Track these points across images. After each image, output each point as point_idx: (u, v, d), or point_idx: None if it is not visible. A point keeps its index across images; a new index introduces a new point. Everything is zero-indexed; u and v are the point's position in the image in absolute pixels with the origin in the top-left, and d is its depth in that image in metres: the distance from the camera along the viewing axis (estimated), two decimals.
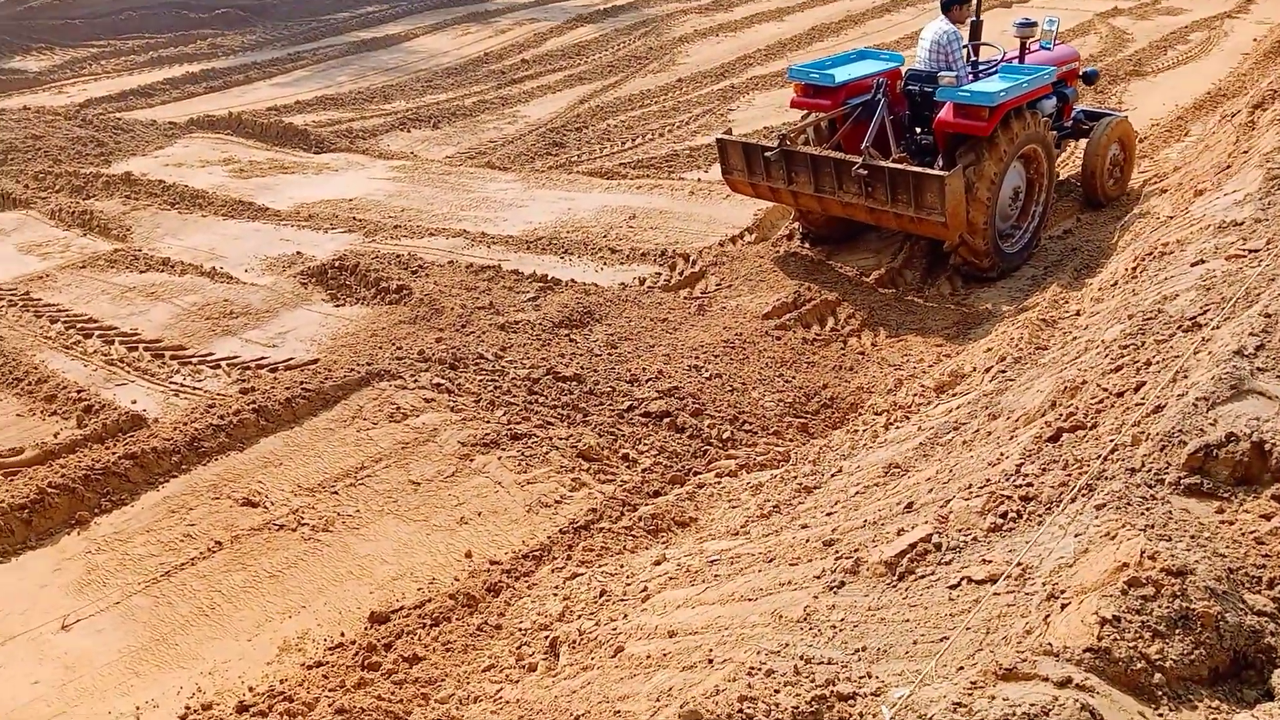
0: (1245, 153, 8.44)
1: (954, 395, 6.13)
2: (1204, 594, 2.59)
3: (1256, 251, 5.31)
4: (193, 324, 8.53)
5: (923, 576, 3.38)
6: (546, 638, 4.50)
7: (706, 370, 7.67)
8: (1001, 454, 4.16)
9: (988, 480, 3.86)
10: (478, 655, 4.75)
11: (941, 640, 2.99)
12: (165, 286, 9.26)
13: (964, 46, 9.26)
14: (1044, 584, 2.91)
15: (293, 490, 6.23)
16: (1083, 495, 3.32)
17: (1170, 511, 3.04)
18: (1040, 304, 7.59)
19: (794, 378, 7.71)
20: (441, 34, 21.54)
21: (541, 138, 14.47)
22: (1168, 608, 2.58)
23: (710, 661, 3.43)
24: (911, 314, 8.57)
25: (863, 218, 8.94)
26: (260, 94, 17.26)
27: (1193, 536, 2.87)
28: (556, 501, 6.09)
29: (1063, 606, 2.74)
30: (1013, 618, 2.88)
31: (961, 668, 2.81)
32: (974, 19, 9.66)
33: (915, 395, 6.65)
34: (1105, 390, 4.12)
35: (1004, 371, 5.75)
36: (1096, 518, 3.10)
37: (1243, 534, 2.94)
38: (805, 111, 9.60)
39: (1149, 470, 3.27)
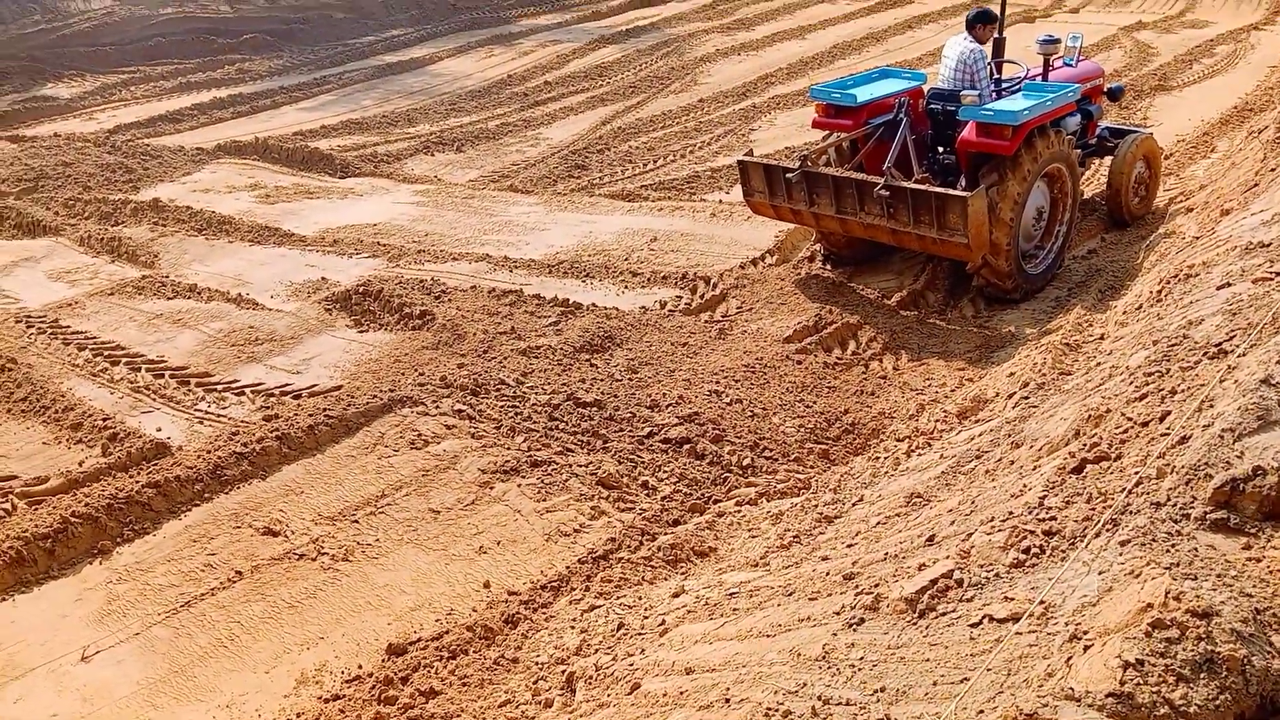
0: (1273, 170, 8.32)
1: (977, 421, 6.05)
2: (1230, 636, 2.52)
3: None
4: (218, 350, 8.60)
5: (944, 614, 3.32)
6: (563, 672, 4.47)
7: (727, 395, 7.63)
8: (1024, 485, 4.09)
9: (1010, 513, 3.79)
10: (494, 690, 4.72)
11: (962, 681, 2.93)
12: (191, 313, 9.35)
13: (988, 64, 9.21)
14: (1066, 624, 2.85)
15: (313, 519, 6.24)
16: (1107, 530, 3.26)
17: (1196, 548, 2.96)
18: (1064, 327, 7.50)
19: (815, 403, 7.66)
20: (465, 57, 21.74)
21: (564, 160, 14.54)
22: (1192, 651, 2.51)
23: (727, 701, 3.38)
24: (934, 337, 8.50)
25: (885, 239, 8.89)
26: (286, 119, 17.46)
27: (1219, 575, 2.80)
28: (575, 530, 6.06)
29: (1085, 648, 2.68)
30: (1034, 659, 2.82)
31: (981, 711, 2.75)
32: (998, 36, 9.62)
33: (938, 421, 6.57)
34: (1129, 419, 4.04)
35: (1027, 398, 5.67)
36: (1121, 554, 3.03)
37: (1270, 572, 2.87)
38: (827, 131, 9.58)
39: (1174, 504, 3.20)
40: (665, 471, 6.71)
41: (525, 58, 21.25)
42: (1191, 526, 3.10)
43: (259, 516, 6.31)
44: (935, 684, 2.98)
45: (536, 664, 4.76)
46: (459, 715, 4.62)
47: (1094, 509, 3.44)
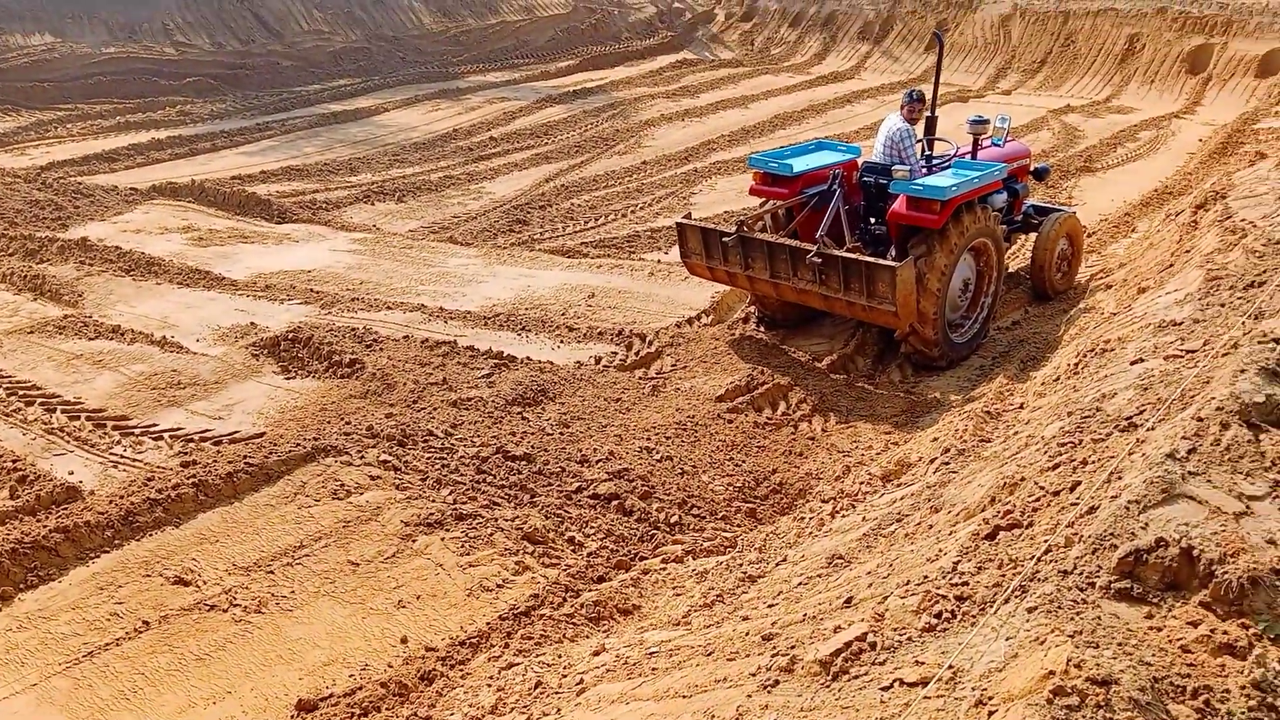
0: (1187, 252, 8.66)
1: (899, 485, 6.13)
2: (1128, 705, 2.57)
3: (1194, 352, 5.40)
4: (138, 394, 8.39)
5: (856, 677, 3.33)
6: None
7: (658, 452, 7.64)
8: (940, 549, 4.15)
9: (925, 577, 3.84)
10: None
11: None
12: (113, 355, 9.13)
13: (918, 142, 9.51)
14: (973, 689, 2.88)
15: (227, 569, 6.07)
16: (1016, 596, 3.31)
17: (1100, 617, 3.02)
18: (986, 395, 7.68)
19: (744, 461, 7.70)
20: (412, 109, 21.82)
21: (505, 214, 14.60)
22: (1092, 718, 2.55)
23: None
24: (862, 400, 8.63)
25: (816, 304, 9.05)
26: (225, 162, 17.31)
27: (1120, 644, 2.85)
28: (498, 585, 5.98)
29: (990, 714, 2.71)
30: None
31: None
32: (930, 115, 9.94)
33: (862, 483, 6.65)
34: (1042, 489, 4.13)
35: (948, 463, 5.77)
36: (1028, 621, 3.08)
37: (1170, 641, 2.93)
38: (764, 199, 9.77)
39: (1080, 573, 3.27)
40: (592, 527, 6.67)
41: (472, 113, 21.40)
42: (1096, 595, 3.16)
43: (170, 565, 6.12)
44: None
45: None
46: None
47: (1004, 575, 3.50)
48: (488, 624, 5.62)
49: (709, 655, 4.25)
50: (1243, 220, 8.25)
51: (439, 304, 10.58)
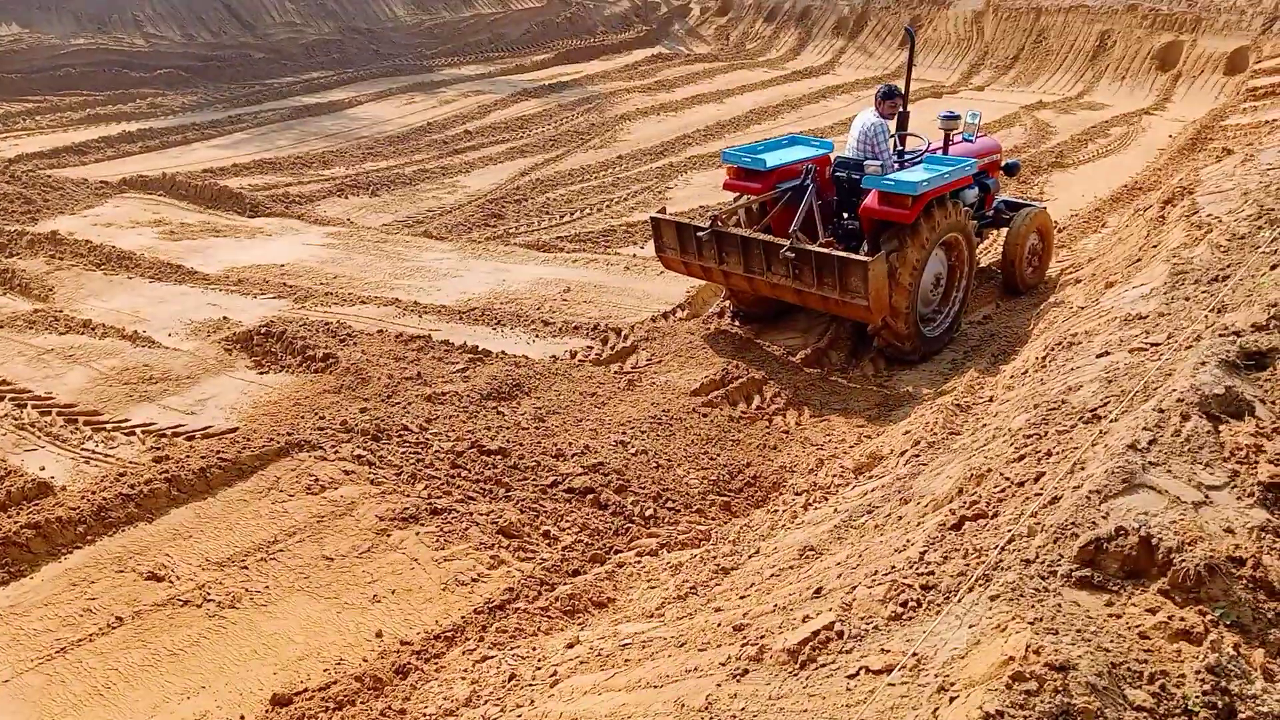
0: (1155, 247, 8.79)
1: (871, 477, 6.21)
2: (1085, 689, 2.64)
3: (1158, 345, 5.50)
4: (110, 389, 8.34)
5: (824, 665, 3.39)
6: None
7: (633, 446, 7.68)
8: (908, 540, 4.22)
9: (892, 567, 3.90)
10: None
11: None
12: (84, 349, 9.06)
13: (891, 138, 9.58)
14: (936, 675, 2.94)
15: (200, 564, 6.07)
16: (979, 585, 3.38)
17: (1060, 604, 3.09)
18: (957, 389, 7.77)
19: (719, 455, 7.76)
20: (386, 102, 21.72)
21: (480, 208, 14.57)
22: (1050, 703, 2.62)
23: None
24: (835, 394, 8.70)
25: (790, 298, 9.12)
26: (197, 155, 17.17)
27: (1079, 630, 2.92)
28: (473, 580, 6.00)
29: (951, 699, 2.77)
30: (905, 710, 2.90)
31: None
32: (902, 110, 10.02)
33: (835, 476, 6.72)
34: (1008, 479, 4.21)
35: (918, 456, 5.85)
36: (990, 609, 3.15)
37: (1128, 628, 3.01)
38: (737, 193, 9.82)
39: (1043, 562, 3.34)
40: (567, 521, 6.71)
41: (447, 106, 21.32)
42: (1058, 583, 3.23)
43: (143, 561, 6.11)
44: None
45: (424, 715, 4.68)
46: None
47: (969, 564, 3.57)
48: (463, 618, 5.65)
49: (681, 646, 4.30)
50: (1209, 215, 8.37)
51: (413, 298, 10.57)
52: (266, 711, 4.94)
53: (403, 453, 7.25)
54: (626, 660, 4.38)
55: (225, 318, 9.87)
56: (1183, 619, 3.02)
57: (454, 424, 7.72)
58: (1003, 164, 11.14)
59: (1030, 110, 20.37)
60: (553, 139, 18.66)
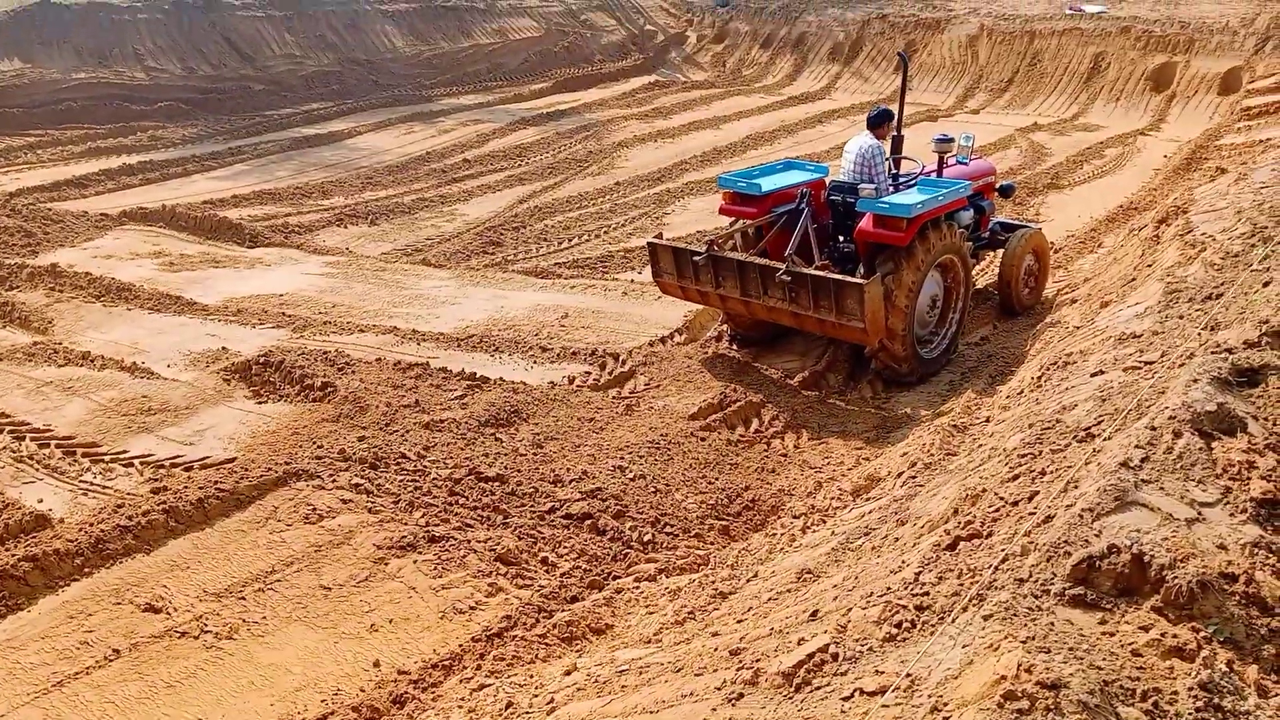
0: (1149, 266, 8.82)
1: (868, 499, 6.20)
2: (1077, 707, 2.63)
3: (1151, 364, 5.51)
4: (108, 420, 8.36)
5: (819, 688, 3.37)
6: None
7: (631, 471, 7.68)
8: (903, 561, 4.21)
9: (887, 589, 3.90)
10: None
11: None
12: (83, 381, 9.08)
13: (886, 160, 9.64)
14: (930, 696, 2.93)
15: (198, 595, 6.05)
16: (973, 605, 3.37)
17: (1053, 622, 3.09)
18: (954, 410, 7.77)
19: (717, 479, 7.75)
20: (385, 132, 21.86)
21: (479, 236, 14.64)
22: None
23: None
24: (834, 417, 8.70)
25: (787, 322, 9.14)
26: (197, 187, 17.27)
27: (1071, 648, 2.92)
28: (471, 608, 5.99)
29: (944, 719, 2.76)
30: None
31: None
32: (896, 134, 10.09)
33: (833, 499, 6.71)
34: (1002, 499, 4.21)
35: (914, 477, 5.85)
36: (983, 628, 3.14)
37: (1121, 645, 3.00)
38: (734, 218, 9.87)
39: (1036, 580, 3.33)
40: (565, 547, 6.69)
41: (445, 135, 21.46)
42: (1051, 602, 3.23)
43: (141, 592, 6.10)
44: None
45: None
46: None
47: (963, 584, 3.56)
48: (460, 646, 5.63)
49: (678, 671, 4.28)
50: (1202, 234, 8.41)
51: (412, 326, 10.60)
52: None
53: (400, 481, 7.25)
54: (623, 687, 4.36)
55: (224, 348, 9.90)
56: (1175, 636, 3.01)
57: (452, 451, 7.72)
58: (998, 186, 11.20)
59: (1025, 132, 20.48)
60: (551, 166, 18.77)
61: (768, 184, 9.63)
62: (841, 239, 9.64)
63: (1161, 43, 22.82)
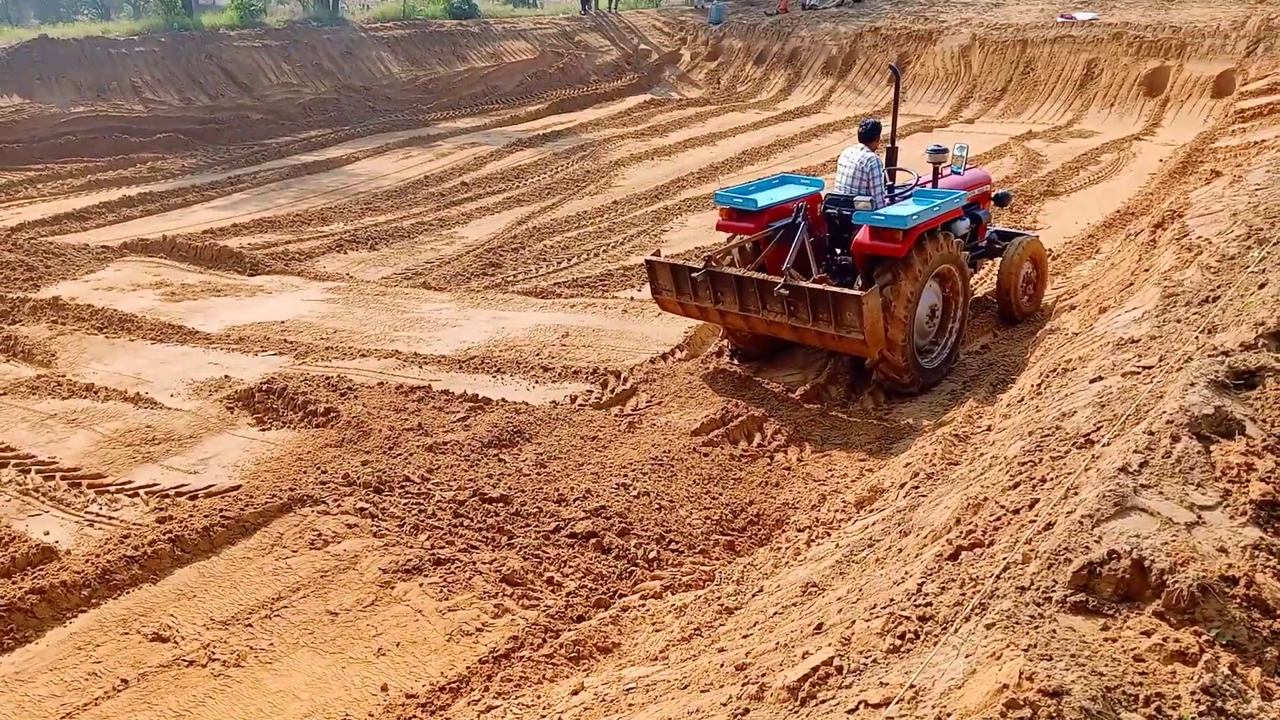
0: (1146, 270, 8.84)
1: (872, 511, 6.21)
2: (1080, 714, 2.63)
3: (1150, 368, 5.52)
4: (113, 451, 8.39)
5: (823, 701, 3.38)
6: None
7: (635, 488, 7.69)
8: (906, 572, 4.22)
9: (891, 600, 3.90)
10: None
11: None
12: (87, 413, 9.12)
13: (883, 171, 9.69)
14: (934, 706, 2.93)
15: (205, 624, 6.06)
16: (975, 614, 3.38)
17: (1055, 630, 3.09)
18: (956, 419, 7.78)
19: (721, 494, 7.76)
20: (382, 158, 21.96)
21: (478, 258, 14.69)
22: None
23: None
24: (836, 429, 8.72)
25: (786, 335, 9.17)
26: (197, 217, 17.34)
27: (1073, 655, 2.92)
28: (478, 629, 5.99)
29: None
30: None
31: None
32: (890, 145, 10.14)
33: (837, 511, 6.72)
34: (1003, 507, 4.22)
35: (917, 488, 5.86)
36: (986, 637, 3.15)
37: (1123, 651, 3.00)
38: (731, 234, 9.92)
39: (1037, 588, 3.34)
40: (571, 567, 6.70)
41: (443, 159, 21.56)
42: (1052, 609, 3.23)
43: (148, 622, 6.11)
44: None
45: None
46: None
47: (965, 594, 3.57)
48: (468, 668, 5.63)
49: (684, 688, 4.29)
50: (1199, 237, 8.43)
51: (413, 349, 10.64)
52: None
53: (405, 504, 7.26)
54: (630, 705, 4.37)
55: (227, 376, 9.94)
56: (1177, 640, 3.02)
57: (455, 473, 7.74)
58: (993, 194, 11.24)
59: (1020, 140, 20.55)
60: (548, 187, 18.85)
61: (764, 199, 9.68)
62: (839, 252, 9.68)
63: (1154, 48, 22.93)
